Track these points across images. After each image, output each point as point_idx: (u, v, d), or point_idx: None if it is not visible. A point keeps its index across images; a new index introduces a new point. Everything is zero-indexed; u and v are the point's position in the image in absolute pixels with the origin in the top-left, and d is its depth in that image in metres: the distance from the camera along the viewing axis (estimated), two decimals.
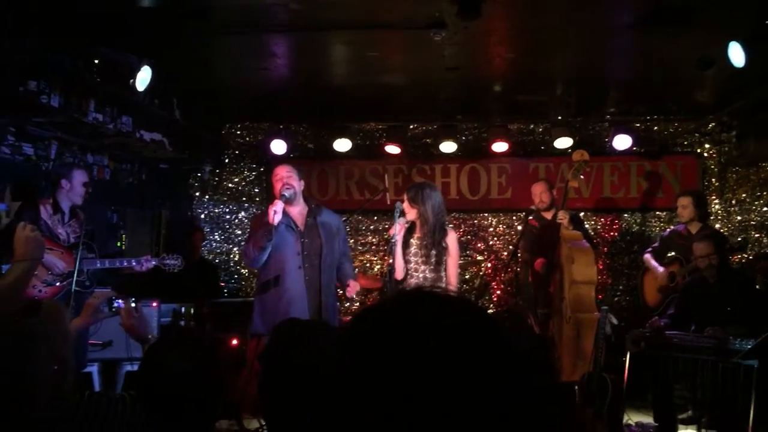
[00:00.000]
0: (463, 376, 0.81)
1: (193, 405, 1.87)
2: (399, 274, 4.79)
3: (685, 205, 6.13)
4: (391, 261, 4.83)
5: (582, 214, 7.20)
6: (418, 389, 0.80)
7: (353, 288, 4.77)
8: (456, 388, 0.80)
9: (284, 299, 4.52)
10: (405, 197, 4.85)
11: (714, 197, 7.72)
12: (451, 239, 4.84)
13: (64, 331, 2.44)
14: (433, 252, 4.74)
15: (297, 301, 4.52)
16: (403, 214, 4.79)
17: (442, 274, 4.80)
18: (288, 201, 4.60)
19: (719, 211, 7.69)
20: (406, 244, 4.82)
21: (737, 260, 7.34)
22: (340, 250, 4.88)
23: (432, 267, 4.77)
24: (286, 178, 4.67)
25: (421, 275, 4.79)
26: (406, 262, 4.81)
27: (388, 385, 0.81)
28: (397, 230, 4.76)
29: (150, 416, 1.88)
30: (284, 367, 1.58)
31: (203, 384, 1.89)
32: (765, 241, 7.26)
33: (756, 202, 7.41)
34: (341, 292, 5.15)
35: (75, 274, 4.72)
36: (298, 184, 4.71)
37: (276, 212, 4.44)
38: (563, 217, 5.89)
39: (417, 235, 4.84)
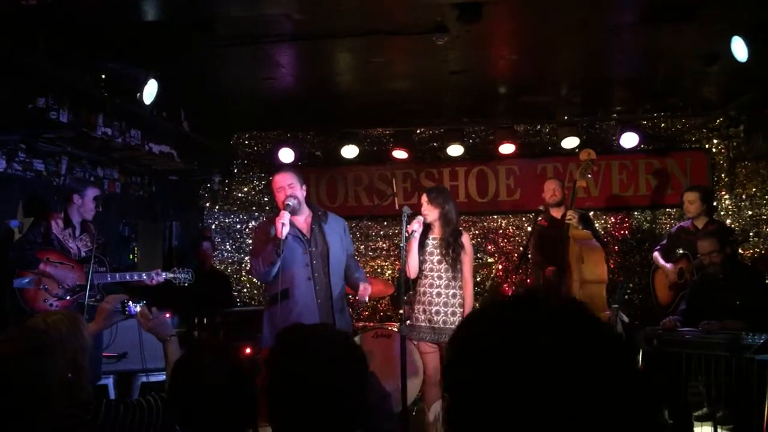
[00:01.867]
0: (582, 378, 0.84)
1: (227, 417, 1.89)
2: (413, 272, 4.88)
3: (692, 201, 6.10)
4: (409, 262, 4.87)
5: (591, 213, 7.18)
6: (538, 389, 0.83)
7: (365, 290, 4.59)
8: (575, 390, 0.83)
9: (294, 312, 4.37)
10: (425, 199, 4.97)
11: (724, 193, 7.68)
12: (466, 239, 5.00)
13: (80, 340, 2.48)
14: (451, 250, 4.86)
15: (307, 314, 4.37)
16: (411, 218, 4.84)
17: (458, 273, 4.90)
18: (293, 211, 4.44)
19: (729, 207, 7.65)
20: (421, 244, 4.93)
21: (749, 254, 7.30)
22: (347, 253, 4.76)
23: (448, 265, 4.87)
24: (288, 188, 4.50)
25: (436, 273, 4.89)
26: (421, 261, 4.92)
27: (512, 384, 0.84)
28: (416, 228, 4.86)
29: (182, 428, 1.90)
30: (288, 372, 1.60)
31: (238, 396, 1.90)
32: None
33: (766, 197, 7.37)
34: (353, 297, 5.14)
35: (88, 288, 4.76)
36: (300, 192, 4.57)
37: (284, 224, 4.29)
38: (572, 217, 5.88)
39: (434, 235, 4.96)
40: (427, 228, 4.96)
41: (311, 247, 4.54)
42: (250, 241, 8.26)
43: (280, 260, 4.37)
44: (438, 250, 4.91)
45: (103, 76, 5.15)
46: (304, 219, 4.62)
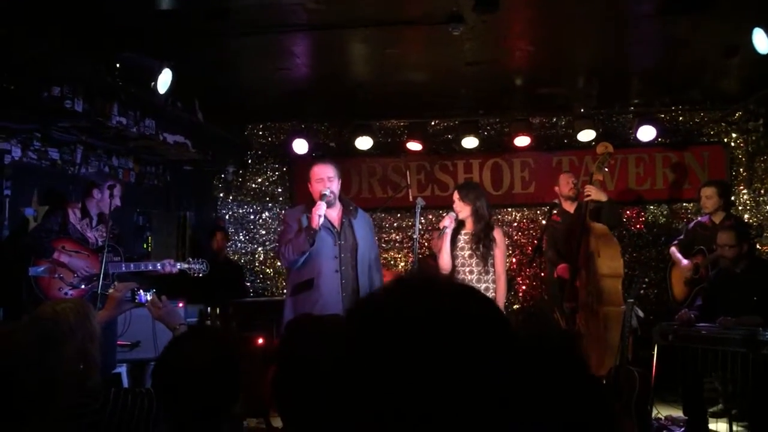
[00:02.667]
0: (464, 368, 0.80)
1: (207, 400, 1.87)
2: (446, 267, 4.98)
3: (709, 196, 6.03)
4: (443, 257, 4.98)
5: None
6: (415, 383, 0.79)
7: None
8: (457, 381, 0.79)
9: (319, 303, 4.39)
10: (457, 196, 5.07)
11: (742, 187, 7.59)
12: (498, 233, 5.09)
13: (90, 329, 2.48)
14: (482, 245, 4.95)
15: (331, 305, 4.37)
16: (423, 209, 4.86)
17: (490, 267, 4.98)
18: (328, 203, 4.50)
19: (748, 201, 7.56)
20: (453, 240, 5.02)
21: (767, 250, 7.22)
22: (374, 253, 4.79)
23: (478, 260, 4.95)
24: (327, 180, 4.55)
25: (467, 268, 4.98)
26: (453, 257, 5.02)
27: (387, 379, 0.80)
28: (448, 223, 4.98)
29: (165, 410, 1.89)
30: (297, 363, 1.58)
31: (219, 380, 1.88)
32: None
33: None
34: None
35: (101, 277, 4.77)
36: (337, 186, 4.62)
37: (320, 216, 4.36)
38: (590, 191, 5.80)
39: (466, 230, 5.06)
40: (460, 223, 5.06)
41: (341, 240, 4.58)
42: (264, 232, 8.27)
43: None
44: (469, 245, 5.00)
45: (118, 66, 5.15)
46: (336, 212, 4.66)
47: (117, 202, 5.12)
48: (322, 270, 4.47)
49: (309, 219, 4.43)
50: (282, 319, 4.64)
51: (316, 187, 4.57)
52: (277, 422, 5.23)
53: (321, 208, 4.39)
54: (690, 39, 5.50)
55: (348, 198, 7.40)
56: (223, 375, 1.88)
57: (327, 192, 4.48)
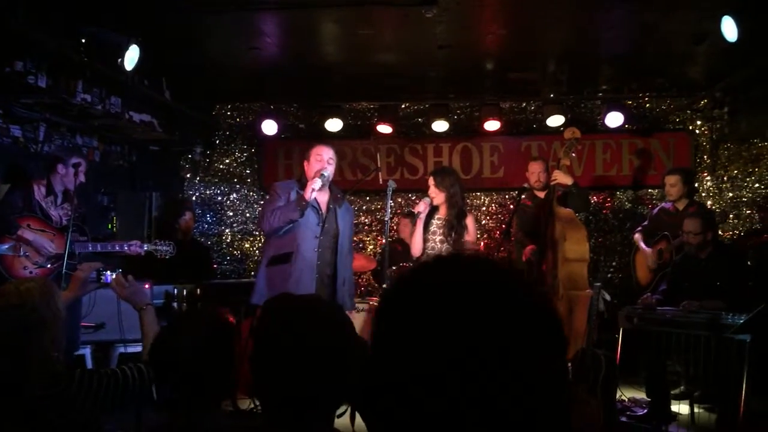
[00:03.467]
0: (503, 337, 0.80)
1: (203, 381, 1.89)
2: (417, 251, 5.03)
3: (673, 183, 6.12)
4: (416, 240, 5.04)
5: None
6: (456, 351, 0.79)
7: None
8: (496, 352, 0.79)
9: (293, 278, 4.43)
10: (432, 182, 5.09)
11: (706, 174, 7.73)
12: (470, 221, 5.12)
13: (53, 309, 2.42)
14: (454, 232, 4.98)
15: (304, 283, 4.43)
16: (394, 192, 4.86)
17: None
18: (323, 183, 4.55)
19: (711, 188, 7.70)
20: (426, 225, 5.04)
21: (729, 236, 7.37)
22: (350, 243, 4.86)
23: (449, 246, 4.98)
24: (327, 162, 4.63)
25: (437, 254, 4.87)
26: (425, 240, 5.04)
27: (426, 347, 0.80)
28: (422, 208, 5.00)
29: (160, 391, 1.91)
30: (274, 342, 1.57)
31: (213, 360, 1.91)
32: (756, 217, 7.28)
33: (748, 179, 7.43)
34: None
35: (66, 257, 4.69)
36: (332, 171, 4.69)
37: (314, 190, 4.44)
38: (560, 176, 5.84)
39: (439, 215, 5.08)
40: (433, 209, 5.09)
41: (325, 223, 4.63)
42: (231, 213, 8.20)
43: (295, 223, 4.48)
44: (441, 230, 5.03)
45: (84, 41, 5.03)
46: (325, 197, 4.71)
47: (81, 178, 5.02)
48: (302, 246, 4.51)
49: (299, 194, 4.50)
50: (254, 291, 4.65)
51: (314, 165, 4.63)
52: (244, 404, 5.21)
53: (316, 183, 4.46)
54: (659, 25, 5.55)
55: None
56: (219, 358, 1.91)
57: (326, 173, 4.57)
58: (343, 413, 3.34)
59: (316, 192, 4.50)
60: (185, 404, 1.91)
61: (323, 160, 4.63)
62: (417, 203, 5.05)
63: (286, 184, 4.77)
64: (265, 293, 4.49)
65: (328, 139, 7.79)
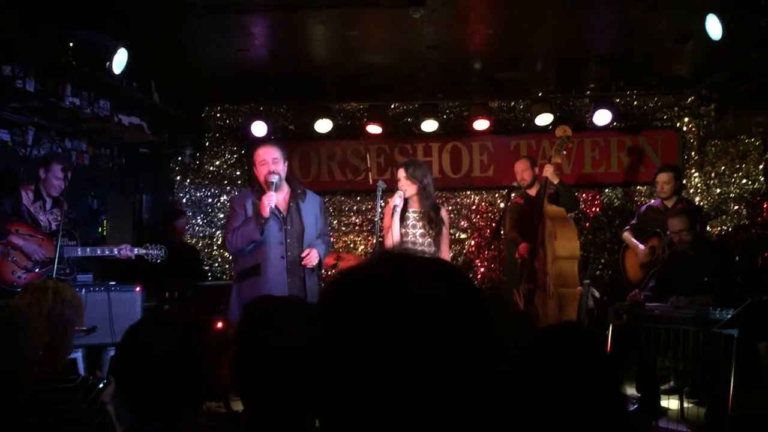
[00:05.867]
0: (441, 341, 0.81)
1: (172, 388, 1.82)
2: (392, 245, 4.88)
3: (666, 181, 6.16)
4: (392, 234, 4.90)
5: None
6: (392, 357, 0.79)
7: (310, 257, 4.44)
8: (433, 354, 0.80)
9: (264, 289, 4.28)
10: (403, 174, 4.96)
11: (693, 171, 7.77)
12: (445, 214, 5.06)
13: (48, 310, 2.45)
14: (434, 225, 4.91)
15: (277, 291, 4.26)
16: (386, 192, 4.83)
17: (439, 247, 4.94)
18: (277, 186, 4.38)
19: (699, 185, 7.75)
20: (402, 218, 4.93)
21: (717, 232, 7.42)
22: (319, 231, 4.68)
23: (431, 240, 4.91)
24: (272, 163, 4.39)
25: (419, 248, 4.88)
26: (403, 234, 4.93)
27: (364, 352, 0.80)
28: (398, 202, 4.89)
29: (128, 401, 1.85)
30: (255, 343, 1.57)
31: (184, 366, 1.83)
32: (744, 213, 7.34)
33: (735, 175, 7.50)
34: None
35: (56, 262, 4.68)
36: (283, 169, 4.46)
37: (269, 204, 4.26)
38: (548, 170, 5.88)
39: (413, 208, 4.98)
40: (406, 201, 4.98)
41: (287, 225, 4.47)
42: (222, 215, 8.19)
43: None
44: (420, 223, 4.94)
45: (72, 45, 5.01)
46: (282, 196, 4.53)
47: (62, 183, 4.99)
48: (269, 256, 4.38)
49: (256, 206, 4.32)
50: (229, 305, 4.59)
51: (261, 170, 4.43)
52: (237, 406, 5.22)
53: (271, 198, 4.28)
54: (646, 23, 5.59)
55: (307, 181, 7.44)
56: (185, 362, 1.83)
57: (275, 179, 4.35)
58: None
59: (274, 195, 4.34)
60: (158, 406, 1.84)
61: (267, 163, 4.40)
62: (391, 198, 4.91)
63: (241, 197, 4.64)
64: (238, 309, 4.34)
65: (319, 140, 7.84)
